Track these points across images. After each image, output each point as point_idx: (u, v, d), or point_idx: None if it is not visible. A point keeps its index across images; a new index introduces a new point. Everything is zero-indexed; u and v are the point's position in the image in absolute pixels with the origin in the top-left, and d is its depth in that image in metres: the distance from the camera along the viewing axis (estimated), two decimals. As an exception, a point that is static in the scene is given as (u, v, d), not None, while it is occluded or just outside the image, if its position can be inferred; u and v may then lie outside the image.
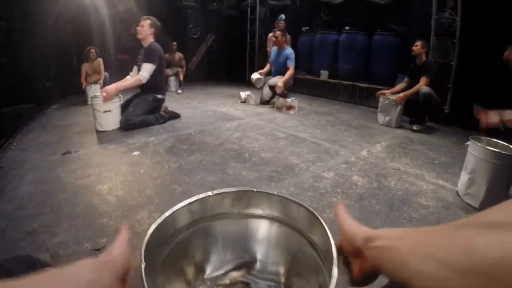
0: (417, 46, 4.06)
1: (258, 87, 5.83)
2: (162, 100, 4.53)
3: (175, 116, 4.67)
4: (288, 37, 6.45)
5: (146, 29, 4.30)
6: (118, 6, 8.06)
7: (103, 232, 1.85)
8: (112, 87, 4.02)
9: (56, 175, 2.72)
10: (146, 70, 4.16)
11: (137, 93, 4.50)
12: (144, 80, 4.13)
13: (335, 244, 0.53)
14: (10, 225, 1.97)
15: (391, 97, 4.15)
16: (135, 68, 4.44)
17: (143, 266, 0.49)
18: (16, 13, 6.32)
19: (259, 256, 0.75)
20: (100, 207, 2.15)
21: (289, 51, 5.55)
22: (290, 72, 5.39)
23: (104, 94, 3.94)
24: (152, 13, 7.63)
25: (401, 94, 4.03)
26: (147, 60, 4.21)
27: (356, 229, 0.50)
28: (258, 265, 0.74)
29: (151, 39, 4.35)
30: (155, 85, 4.36)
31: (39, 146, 3.60)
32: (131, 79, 4.23)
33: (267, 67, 5.96)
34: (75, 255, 1.67)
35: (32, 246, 1.76)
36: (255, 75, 5.80)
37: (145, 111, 4.24)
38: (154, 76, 4.25)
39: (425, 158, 3.02)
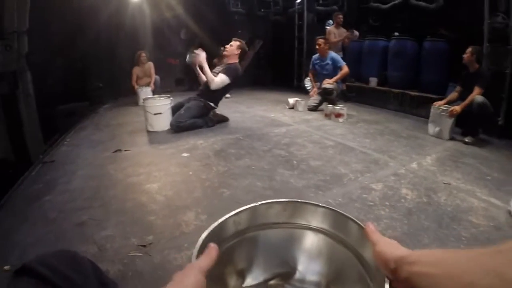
0: (467, 54, 3.92)
1: (301, 109, 5.84)
2: (213, 108, 4.67)
3: (223, 120, 4.82)
4: (356, 33, 6.70)
5: (233, 49, 4.58)
6: (167, 12, 8.35)
7: (150, 230, 1.93)
8: (203, 58, 4.32)
9: (106, 171, 2.89)
10: (221, 79, 4.38)
11: (190, 98, 4.66)
12: (215, 86, 4.35)
13: None
14: (60, 216, 2.11)
15: (444, 108, 4.03)
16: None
17: None
18: (69, 17, 6.73)
19: (299, 267, 0.75)
20: (148, 205, 2.26)
21: (333, 54, 5.62)
22: (344, 71, 5.49)
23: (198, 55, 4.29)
24: (200, 19, 7.92)
25: (457, 107, 3.87)
26: (226, 73, 4.44)
27: (390, 251, 0.49)
28: (297, 275, 0.75)
29: (235, 60, 4.62)
30: (216, 96, 4.56)
31: (92, 143, 3.83)
32: (211, 74, 4.43)
33: (314, 87, 6.03)
34: (121, 249, 1.75)
35: (80, 237, 1.87)
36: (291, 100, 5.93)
37: (195, 115, 4.39)
38: (221, 89, 4.47)
39: (477, 173, 2.94)
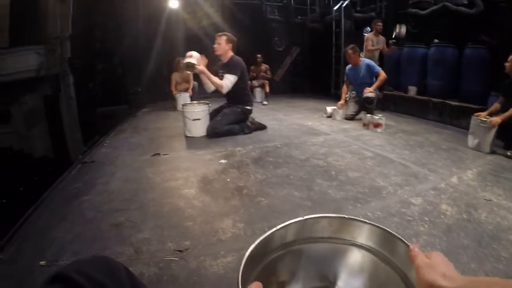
0: (509, 63, 3.82)
1: (339, 118, 5.85)
2: (250, 111, 4.77)
3: (261, 127, 4.86)
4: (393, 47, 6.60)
5: (223, 46, 4.48)
6: (205, 20, 8.60)
7: (187, 235, 1.95)
8: (202, 67, 4.25)
9: (145, 175, 2.99)
10: (229, 80, 4.36)
11: (226, 104, 4.76)
12: (226, 89, 4.36)
13: None
14: (98, 216, 2.20)
15: (484, 119, 3.93)
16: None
17: None
18: (110, 23, 7.06)
19: (339, 282, 0.76)
20: (185, 210, 2.30)
21: (367, 61, 5.59)
22: (382, 77, 5.41)
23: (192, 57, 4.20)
24: (238, 26, 8.11)
25: (497, 118, 3.75)
26: (230, 72, 4.41)
27: (432, 280, 0.49)
28: None
29: (230, 53, 4.55)
30: (242, 96, 4.63)
31: (130, 146, 3.97)
32: (217, 78, 4.39)
33: (345, 90, 5.98)
34: (158, 253, 1.78)
35: (116, 238, 1.92)
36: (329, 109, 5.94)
37: (232, 121, 4.48)
38: (238, 87, 4.50)
39: (519, 188, 2.86)
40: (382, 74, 5.43)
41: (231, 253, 1.80)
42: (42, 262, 1.69)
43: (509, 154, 3.75)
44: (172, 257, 1.75)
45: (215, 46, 4.51)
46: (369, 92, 5.36)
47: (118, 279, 0.68)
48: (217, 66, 4.76)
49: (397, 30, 6.60)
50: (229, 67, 4.46)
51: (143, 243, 1.87)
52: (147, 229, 2.03)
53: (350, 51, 5.58)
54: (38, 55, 4.51)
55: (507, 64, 3.87)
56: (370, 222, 0.72)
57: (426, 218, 2.28)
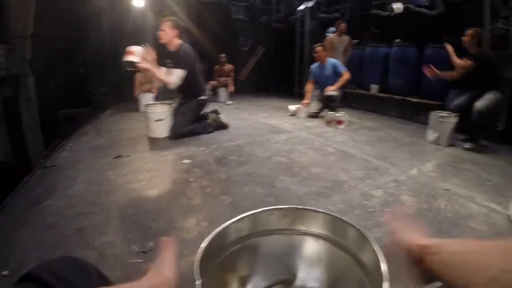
0: (467, 37, 3.91)
1: (302, 116, 5.84)
2: (205, 101, 4.50)
3: (223, 126, 4.74)
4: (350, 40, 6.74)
5: (168, 32, 4.08)
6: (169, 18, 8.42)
7: (151, 236, 1.92)
8: (145, 64, 3.83)
9: (107, 177, 2.90)
10: (177, 76, 3.99)
11: (181, 99, 4.55)
12: (173, 85, 4.03)
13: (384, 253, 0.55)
14: (60, 221, 2.11)
15: (443, 115, 4.04)
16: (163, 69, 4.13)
17: (199, 283, 0.52)
18: (73, 22, 6.82)
19: (299, 273, 0.77)
20: (149, 211, 2.25)
21: (333, 61, 5.62)
22: (345, 77, 5.46)
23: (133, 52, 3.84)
24: (203, 26, 8.00)
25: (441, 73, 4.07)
26: (178, 66, 4.02)
27: (411, 240, 0.52)
28: (297, 282, 0.77)
29: (177, 41, 4.15)
30: (194, 88, 4.31)
31: (92, 148, 3.84)
32: (164, 74, 4.02)
33: (309, 90, 5.98)
34: (122, 255, 1.74)
35: (80, 243, 1.87)
36: (292, 107, 5.92)
37: (192, 119, 4.32)
38: (189, 79, 4.10)
39: (477, 178, 2.95)
40: (346, 75, 5.48)
41: (195, 252, 1.69)
42: (4, 272, 1.60)
43: (466, 146, 3.85)
44: (137, 259, 1.72)
45: (160, 33, 4.09)
46: (332, 90, 5.41)
47: (88, 278, 0.68)
48: (163, 55, 4.29)
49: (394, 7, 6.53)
50: (177, 59, 4.09)
51: (107, 247, 1.83)
52: (110, 231, 1.99)
53: (319, 48, 5.61)
54: (-3, 55, 4.27)
55: (464, 39, 3.95)
56: (323, 211, 0.73)
57: (387, 209, 2.29)
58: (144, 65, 3.82)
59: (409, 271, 0.52)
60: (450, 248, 0.44)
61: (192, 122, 4.34)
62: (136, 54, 3.85)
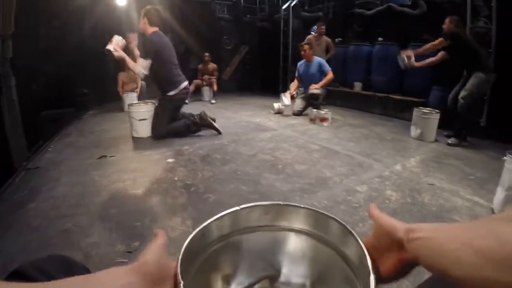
0: (446, 24, 3.98)
1: (287, 114, 5.83)
2: (176, 97, 4.13)
3: (212, 127, 4.40)
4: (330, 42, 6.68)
5: (142, 23, 4.02)
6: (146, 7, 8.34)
7: (136, 236, 1.91)
8: (119, 53, 3.85)
9: (91, 178, 2.85)
10: (141, 66, 3.85)
11: (159, 98, 4.30)
12: (141, 76, 3.93)
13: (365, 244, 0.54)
14: (44, 223, 2.07)
15: (426, 111, 4.09)
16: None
17: (181, 285, 0.49)
18: (55, 21, 6.69)
19: (283, 269, 0.75)
20: (133, 211, 2.23)
21: (319, 59, 5.66)
22: (329, 76, 5.52)
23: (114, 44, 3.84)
24: (186, 24, 7.92)
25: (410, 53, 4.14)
26: (144, 55, 3.89)
27: (395, 223, 0.51)
28: (282, 278, 0.75)
29: (150, 29, 4.00)
30: (161, 82, 4.11)
31: (76, 149, 3.78)
32: (135, 63, 3.91)
33: (294, 85, 6.03)
34: (107, 256, 1.73)
35: (65, 244, 1.84)
36: (286, 101, 5.83)
37: (168, 118, 4.14)
38: (156, 71, 3.98)
39: (460, 173, 2.98)
40: (330, 74, 5.53)
41: (180, 250, 1.66)
42: None
43: (450, 142, 3.89)
44: (122, 258, 1.71)
45: (141, 25, 4.04)
46: (314, 88, 5.43)
47: (76, 275, 0.58)
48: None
49: None
50: (143, 51, 3.94)
51: (92, 247, 1.81)
52: (95, 232, 1.97)
53: (306, 46, 5.63)
54: (-23, 54, 4.13)
55: (444, 26, 4.00)
56: (304, 206, 0.71)
57: (372, 204, 2.25)
58: (117, 53, 3.82)
59: (390, 259, 0.52)
60: (428, 226, 0.44)
61: (169, 122, 4.15)
62: (114, 43, 3.87)
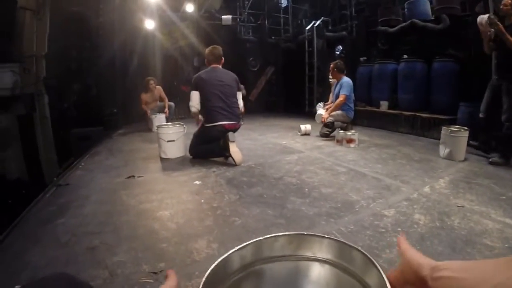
0: (507, 6, 3.55)
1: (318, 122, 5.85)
2: (212, 129, 4.08)
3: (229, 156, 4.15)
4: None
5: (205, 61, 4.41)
6: (181, 40, 8.61)
7: (162, 257, 1.92)
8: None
9: (119, 197, 2.93)
10: (191, 98, 4.10)
11: None
12: (192, 109, 4.10)
13: (388, 278, 0.52)
14: (72, 240, 2.13)
15: (454, 129, 4.00)
16: None
17: None
18: (86, 43, 7.01)
19: None
20: (160, 232, 2.25)
21: (344, 79, 5.59)
22: (337, 101, 5.46)
23: None
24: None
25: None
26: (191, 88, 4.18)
27: (422, 259, 0.50)
28: None
29: (210, 66, 4.34)
30: (203, 113, 4.19)
31: (105, 168, 3.90)
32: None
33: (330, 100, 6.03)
34: (133, 275, 1.74)
35: (91, 262, 1.87)
36: (320, 111, 5.86)
37: (199, 142, 4.23)
38: (202, 103, 4.11)
39: (491, 193, 2.89)
40: (340, 98, 5.43)
41: (205, 273, 1.70)
42: (17, 287, 1.59)
43: (491, 160, 3.76)
44: (147, 279, 1.72)
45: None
46: (325, 119, 5.48)
47: None
48: None
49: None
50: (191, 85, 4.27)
51: (118, 266, 1.83)
52: (121, 251, 1.99)
53: (331, 66, 5.66)
54: (13, 73, 4.38)
55: (503, 7, 3.65)
56: (328, 236, 0.71)
57: (399, 229, 2.26)
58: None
59: None
60: (457, 265, 0.43)
61: (201, 144, 4.23)
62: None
